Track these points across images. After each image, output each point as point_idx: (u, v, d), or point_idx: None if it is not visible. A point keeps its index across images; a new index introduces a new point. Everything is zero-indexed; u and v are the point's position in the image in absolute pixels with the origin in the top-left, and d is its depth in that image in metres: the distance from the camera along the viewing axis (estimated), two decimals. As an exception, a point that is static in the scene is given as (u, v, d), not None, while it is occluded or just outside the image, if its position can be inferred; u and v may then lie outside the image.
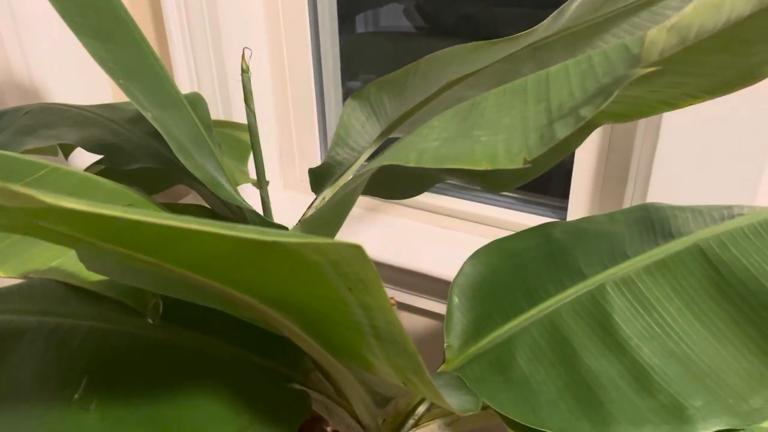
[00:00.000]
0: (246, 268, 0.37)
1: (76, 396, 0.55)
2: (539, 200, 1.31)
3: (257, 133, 0.83)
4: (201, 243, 0.33)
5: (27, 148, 0.79)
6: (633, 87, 0.58)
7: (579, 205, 1.18)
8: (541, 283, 0.72)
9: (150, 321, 0.60)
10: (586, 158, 1.12)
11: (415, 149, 0.49)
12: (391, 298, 1.00)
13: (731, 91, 0.57)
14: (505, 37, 0.72)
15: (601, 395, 0.63)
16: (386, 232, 1.32)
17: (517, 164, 0.41)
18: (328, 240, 0.30)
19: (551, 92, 0.45)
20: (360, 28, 1.51)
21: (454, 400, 0.62)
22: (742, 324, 0.62)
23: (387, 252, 1.25)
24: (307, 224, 0.70)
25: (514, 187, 0.79)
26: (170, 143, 0.66)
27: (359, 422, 0.74)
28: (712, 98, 0.58)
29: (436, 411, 0.76)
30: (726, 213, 0.70)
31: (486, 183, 0.78)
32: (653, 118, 0.95)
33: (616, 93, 0.39)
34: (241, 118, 1.23)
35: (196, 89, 1.37)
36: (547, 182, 1.31)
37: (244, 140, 1.10)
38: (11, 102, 1.26)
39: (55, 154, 0.99)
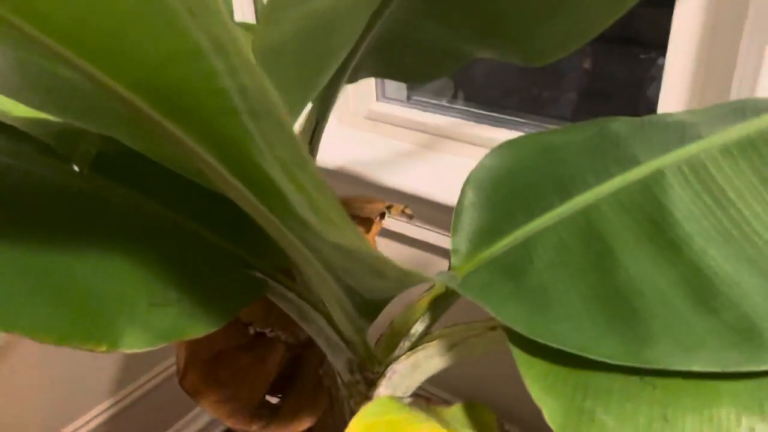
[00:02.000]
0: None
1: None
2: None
3: None
4: None
5: None
6: None
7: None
8: (580, 174, 0.55)
9: (77, 169, 0.51)
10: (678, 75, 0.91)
11: None
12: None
13: None
14: None
15: (641, 308, 0.46)
16: (439, 170, 1.17)
17: None
18: None
19: None
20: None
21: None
22: None
23: (439, 191, 1.10)
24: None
25: (553, 59, 0.62)
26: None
27: (340, 335, 0.61)
28: None
29: (435, 333, 0.61)
30: None
31: (521, 53, 0.62)
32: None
33: None
34: None
35: None
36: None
37: None
38: None
39: None
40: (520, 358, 0.47)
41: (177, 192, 0.55)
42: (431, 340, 0.60)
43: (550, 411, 0.44)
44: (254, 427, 0.77)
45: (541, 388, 0.45)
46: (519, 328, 0.47)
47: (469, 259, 0.57)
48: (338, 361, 0.63)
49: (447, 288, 0.59)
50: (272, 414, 0.80)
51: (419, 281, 0.49)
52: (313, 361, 0.79)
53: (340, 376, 0.65)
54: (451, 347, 0.59)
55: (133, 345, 0.45)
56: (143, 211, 0.53)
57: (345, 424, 0.92)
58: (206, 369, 0.75)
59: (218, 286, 0.52)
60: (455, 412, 0.57)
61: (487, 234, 0.57)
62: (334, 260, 0.48)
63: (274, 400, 0.84)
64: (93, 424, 1.24)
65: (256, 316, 0.70)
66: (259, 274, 0.56)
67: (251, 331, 0.76)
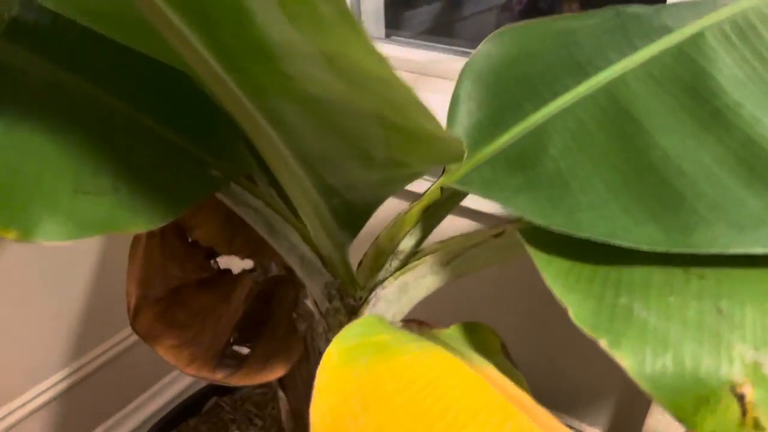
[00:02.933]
0: None
1: None
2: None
3: None
4: None
5: None
6: None
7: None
8: (599, 54, 0.47)
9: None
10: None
11: None
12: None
13: None
14: None
15: (683, 188, 0.38)
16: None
17: None
18: None
19: None
20: None
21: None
22: None
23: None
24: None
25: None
26: None
27: (317, 252, 0.52)
28: None
29: (427, 249, 0.53)
30: None
31: None
32: None
33: None
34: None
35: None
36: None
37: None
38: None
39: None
40: (538, 256, 0.39)
41: (114, 73, 0.45)
42: (422, 257, 0.52)
43: (577, 310, 0.35)
44: (219, 376, 0.68)
45: (565, 285, 0.37)
46: (535, 218, 0.39)
47: (467, 158, 0.48)
48: (315, 286, 0.54)
49: (442, 192, 0.50)
50: (240, 361, 0.71)
51: (415, 168, 0.40)
52: (285, 300, 0.70)
53: (317, 305, 0.56)
54: (446, 263, 0.50)
55: (54, 235, 0.35)
56: (69, 90, 0.43)
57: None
58: (161, 309, 0.65)
59: (165, 179, 0.42)
60: (453, 333, 0.49)
61: (488, 127, 0.49)
62: (310, 141, 0.39)
63: (244, 351, 0.75)
64: (44, 398, 1.12)
65: (218, 240, 0.61)
66: (216, 173, 0.47)
67: (213, 265, 0.67)
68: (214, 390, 1.11)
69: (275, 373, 0.70)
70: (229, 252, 0.60)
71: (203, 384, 1.13)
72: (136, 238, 0.62)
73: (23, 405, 1.09)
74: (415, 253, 0.53)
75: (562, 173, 0.42)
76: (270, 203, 0.49)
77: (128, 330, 1.25)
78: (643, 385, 0.33)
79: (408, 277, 0.52)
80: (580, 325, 0.35)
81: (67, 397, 1.17)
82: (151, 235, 0.61)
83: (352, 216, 0.49)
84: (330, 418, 0.41)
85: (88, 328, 1.17)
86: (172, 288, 0.65)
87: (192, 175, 0.44)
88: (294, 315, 0.74)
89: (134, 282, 0.63)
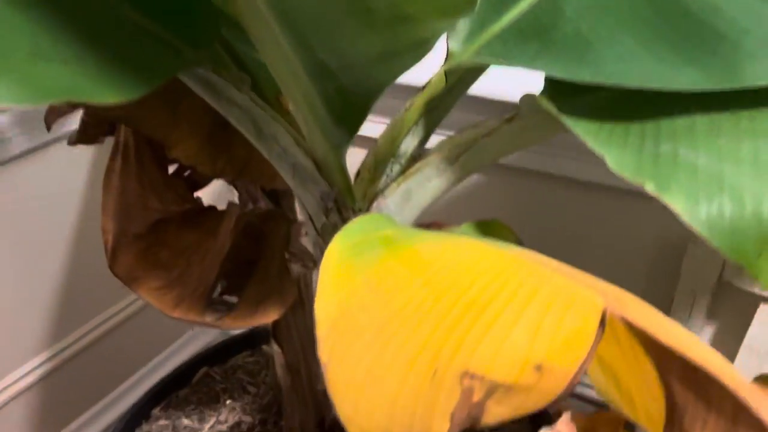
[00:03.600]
0: None
1: None
2: None
3: None
4: None
5: None
6: None
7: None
8: None
9: None
10: None
11: None
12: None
13: None
14: None
15: (723, 28, 0.34)
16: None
17: None
18: None
19: None
20: None
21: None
22: None
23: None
24: None
25: None
26: None
27: (311, 156, 0.47)
28: None
29: (431, 150, 0.48)
30: None
31: None
32: None
33: None
34: None
35: None
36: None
37: None
38: None
39: None
40: (564, 119, 0.35)
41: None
42: (426, 158, 0.47)
43: (616, 158, 0.31)
44: (208, 319, 0.63)
45: (598, 140, 0.33)
46: (558, 72, 0.35)
47: (473, 39, 0.44)
48: (310, 198, 0.50)
49: (446, 79, 0.46)
50: (230, 305, 0.66)
51: (422, 25, 0.36)
52: (276, 237, 0.65)
53: (312, 221, 0.51)
54: (453, 159, 0.46)
55: (7, 97, 0.30)
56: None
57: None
58: (142, 248, 0.60)
59: (137, 54, 0.37)
60: (467, 229, 0.44)
61: (495, 4, 0.44)
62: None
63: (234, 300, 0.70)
64: (21, 384, 1.06)
65: (201, 160, 0.55)
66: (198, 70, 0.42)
67: (195, 196, 0.62)
68: (204, 360, 1.05)
69: (269, 316, 0.66)
70: (213, 172, 0.55)
71: (193, 357, 1.07)
72: (111, 167, 0.57)
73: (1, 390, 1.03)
74: (418, 156, 0.49)
75: (582, 34, 0.38)
76: (256, 101, 0.44)
77: (112, 310, 1.19)
78: (700, 229, 0.29)
79: (411, 182, 0.47)
80: (620, 172, 0.31)
81: (48, 383, 1.10)
82: (126, 161, 0.56)
83: (348, 108, 0.44)
84: (337, 312, 0.36)
85: (67, 311, 1.11)
86: (152, 223, 0.59)
87: (166, 53, 0.39)
88: (287, 256, 0.69)
89: (110, 216, 0.58)
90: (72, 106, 0.56)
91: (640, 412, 0.33)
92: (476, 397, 0.30)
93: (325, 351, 0.35)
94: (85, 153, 0.99)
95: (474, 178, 0.96)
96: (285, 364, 0.79)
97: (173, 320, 1.37)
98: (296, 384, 0.80)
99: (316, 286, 0.53)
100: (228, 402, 1.00)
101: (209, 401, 1.00)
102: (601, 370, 0.35)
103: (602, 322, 0.28)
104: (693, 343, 0.25)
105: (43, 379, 1.09)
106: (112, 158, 0.56)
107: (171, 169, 0.62)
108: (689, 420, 0.25)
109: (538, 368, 0.28)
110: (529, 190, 0.92)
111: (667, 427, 0.27)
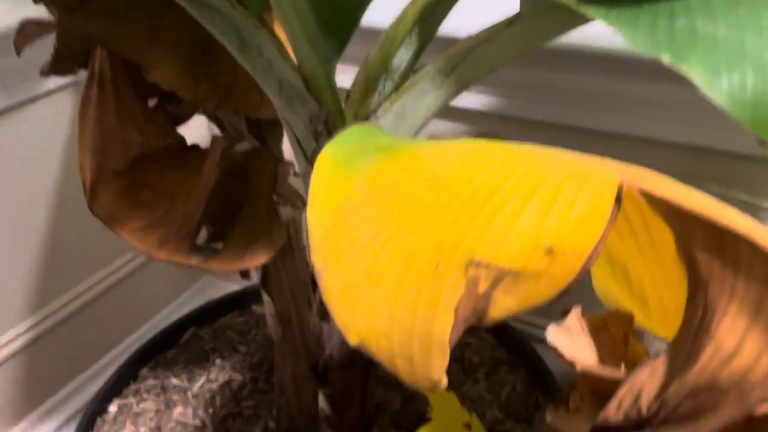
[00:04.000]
0: None
1: None
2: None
3: None
4: None
5: None
6: None
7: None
8: None
9: None
10: None
11: None
12: None
13: None
14: None
15: None
16: None
17: None
18: None
19: None
20: None
21: None
22: None
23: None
24: None
25: None
26: None
27: (297, 71, 0.44)
28: None
29: (425, 63, 0.46)
30: None
31: None
32: None
33: None
34: None
35: None
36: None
37: None
38: None
39: None
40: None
41: None
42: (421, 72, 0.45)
43: (632, 35, 0.29)
44: (194, 260, 0.60)
45: (608, 19, 0.31)
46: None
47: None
48: (298, 121, 0.47)
49: (441, -16, 0.43)
50: (217, 250, 0.63)
51: None
52: (263, 176, 0.62)
53: (302, 147, 0.49)
54: (449, 71, 0.43)
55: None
56: None
57: (308, 276, 0.76)
58: (123, 185, 0.57)
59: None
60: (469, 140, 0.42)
61: None
62: None
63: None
64: (5, 352, 1.03)
65: (181, 84, 0.52)
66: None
67: (177, 130, 0.59)
68: (191, 321, 1.03)
69: (257, 258, 0.63)
70: (195, 98, 0.52)
71: (181, 318, 1.05)
72: (86, 96, 0.54)
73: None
74: (411, 72, 0.46)
75: None
76: (235, 6, 0.41)
77: (99, 275, 1.16)
78: (722, 102, 0.27)
79: (405, 98, 0.45)
80: (634, 45, 0.28)
81: (33, 350, 1.07)
82: (102, 90, 0.53)
83: (337, 15, 0.42)
84: (331, 221, 0.34)
85: (52, 276, 1.07)
86: (132, 158, 0.57)
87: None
88: (275, 198, 0.67)
89: (88, 151, 0.55)
90: (41, 28, 0.53)
91: (654, 308, 0.31)
92: (482, 287, 0.28)
93: (319, 258, 0.33)
94: (65, 110, 0.96)
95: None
96: (276, 314, 0.77)
97: (162, 286, 1.34)
98: (287, 334, 0.78)
99: (306, 231, 0.51)
100: (218, 361, 0.98)
101: (198, 361, 0.98)
102: (611, 270, 0.33)
103: (618, 198, 0.26)
104: (719, 207, 0.23)
105: (28, 346, 1.06)
106: (88, 87, 0.53)
107: (151, 104, 0.59)
108: (715, 291, 0.23)
109: (549, 251, 0.26)
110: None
111: (689, 306, 0.25)
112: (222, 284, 1.28)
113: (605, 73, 0.77)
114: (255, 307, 1.07)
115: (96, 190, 0.57)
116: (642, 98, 0.76)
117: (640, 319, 0.35)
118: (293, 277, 0.75)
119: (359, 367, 0.60)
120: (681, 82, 0.28)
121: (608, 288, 0.36)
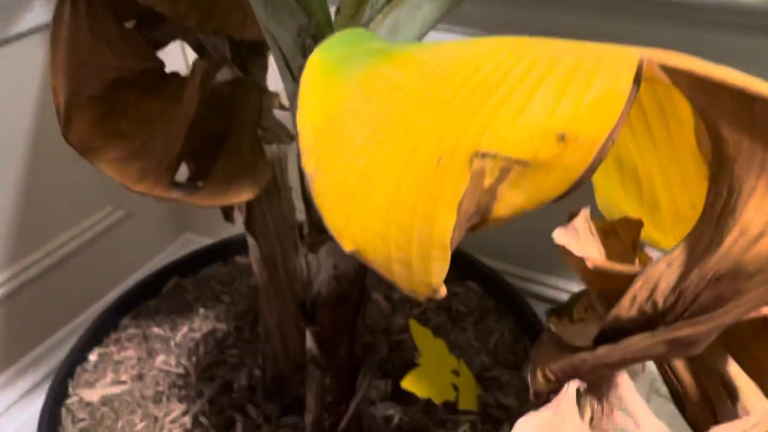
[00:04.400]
0: None
1: None
2: None
3: None
4: None
5: None
6: None
7: None
8: None
9: None
10: None
11: None
12: None
13: None
14: None
15: None
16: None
17: None
18: None
19: None
20: None
21: None
22: None
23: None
24: None
25: None
26: None
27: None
28: None
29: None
30: None
31: None
32: None
33: None
34: None
35: None
36: None
37: None
38: None
39: None
40: None
41: None
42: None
43: None
44: (176, 194, 0.58)
45: None
46: None
47: None
48: (285, 35, 0.44)
49: None
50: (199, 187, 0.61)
51: None
52: (247, 107, 0.60)
53: (288, 66, 0.46)
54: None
55: None
56: None
57: (294, 218, 0.74)
58: (99, 113, 0.54)
59: None
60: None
61: None
62: None
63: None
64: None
65: (160, -2, 0.50)
66: None
67: (155, 54, 0.56)
68: (173, 270, 1.01)
69: (242, 194, 0.61)
70: (174, 14, 0.49)
71: (162, 267, 1.03)
72: (59, 15, 0.50)
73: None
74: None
75: None
76: None
77: (78, 228, 1.12)
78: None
79: (399, 11, 0.43)
80: None
81: (11, 304, 1.04)
82: (75, 9, 0.50)
83: None
84: (323, 123, 0.32)
85: (30, 227, 1.04)
86: (109, 83, 0.54)
87: None
88: (260, 132, 0.64)
89: (61, 75, 0.52)
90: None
91: (665, 212, 0.29)
92: (487, 180, 0.26)
93: (311, 162, 0.31)
94: (37, 53, 0.91)
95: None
96: (261, 258, 0.75)
97: (143, 241, 1.30)
98: (273, 279, 0.76)
99: (290, 169, 0.48)
100: (201, 311, 0.96)
101: (181, 310, 0.96)
102: (620, 175, 0.31)
103: (638, 77, 0.24)
104: (748, 77, 0.21)
105: (3, 300, 1.03)
106: (60, 5, 0.50)
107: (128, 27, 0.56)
108: (742, 169, 0.21)
109: (561, 138, 0.24)
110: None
111: (711, 190, 0.23)
112: (203, 240, 1.25)
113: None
114: (239, 258, 1.05)
115: (71, 117, 0.53)
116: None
117: (648, 230, 0.33)
118: (279, 220, 0.73)
119: (348, 305, 0.59)
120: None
121: (614, 197, 0.34)
